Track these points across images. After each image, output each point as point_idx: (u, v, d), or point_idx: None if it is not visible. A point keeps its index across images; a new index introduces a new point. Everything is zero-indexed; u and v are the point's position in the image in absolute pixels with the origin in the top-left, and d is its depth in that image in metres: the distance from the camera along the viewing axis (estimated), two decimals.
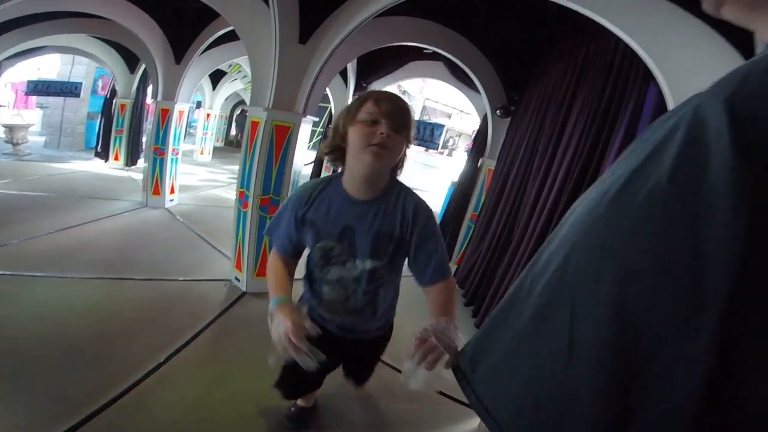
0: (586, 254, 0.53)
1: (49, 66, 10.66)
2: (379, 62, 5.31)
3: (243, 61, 6.95)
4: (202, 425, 1.96)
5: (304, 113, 2.96)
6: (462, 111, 21.46)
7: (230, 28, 4.16)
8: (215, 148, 11.33)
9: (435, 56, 4.95)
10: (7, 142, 8.12)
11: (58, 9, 3.73)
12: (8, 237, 3.57)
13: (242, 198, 3.12)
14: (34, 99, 11.09)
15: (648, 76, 2.25)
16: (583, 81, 2.94)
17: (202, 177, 8.05)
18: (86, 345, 2.31)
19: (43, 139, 9.70)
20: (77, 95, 8.66)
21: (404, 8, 2.91)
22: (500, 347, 0.63)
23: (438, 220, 7.35)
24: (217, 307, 2.97)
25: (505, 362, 0.61)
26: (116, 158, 7.92)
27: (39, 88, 8.43)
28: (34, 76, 10.17)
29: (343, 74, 5.45)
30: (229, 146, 15.12)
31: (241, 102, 14.59)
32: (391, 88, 5.91)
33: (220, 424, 1.99)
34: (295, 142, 2.98)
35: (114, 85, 7.79)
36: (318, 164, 6.17)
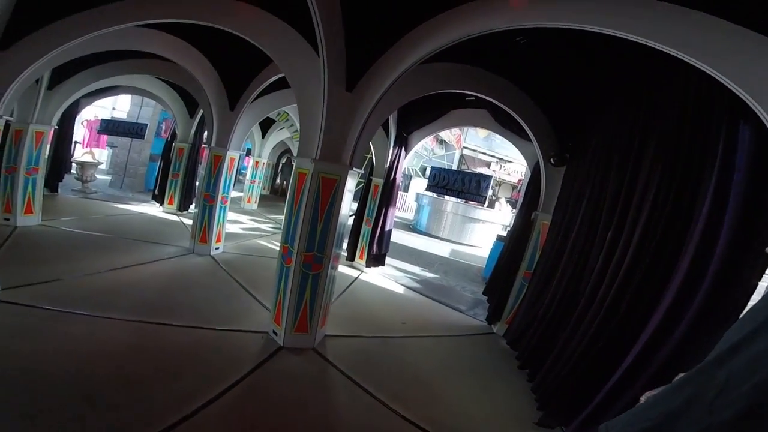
0: None
1: (121, 107, 11.61)
2: (420, 112, 5.31)
3: (290, 110, 7.21)
4: None
5: (351, 165, 2.88)
6: (501, 159, 21.27)
7: (280, 75, 4.28)
8: (261, 196, 11.64)
9: (478, 103, 4.88)
10: (77, 178, 8.81)
11: (125, 48, 3.97)
12: (65, 272, 3.80)
13: (286, 253, 3.03)
14: (105, 138, 11.93)
15: (734, 119, 1.97)
16: (652, 126, 2.66)
17: (247, 226, 8.24)
18: (110, 390, 2.27)
19: (109, 177, 10.57)
20: (142, 137, 9.14)
21: (449, 54, 2.86)
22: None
23: (485, 277, 6.99)
24: (252, 360, 2.87)
25: None
26: (170, 202, 8.20)
27: (110, 128, 9.07)
28: (109, 116, 11.12)
29: (384, 125, 5.49)
30: (273, 194, 15.68)
31: (287, 151, 15.34)
32: (430, 139, 5.85)
33: None
34: (342, 196, 2.88)
35: (174, 129, 8.19)
36: (359, 217, 6.11)
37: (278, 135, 10.92)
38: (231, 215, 5.70)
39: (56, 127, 5.90)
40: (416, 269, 7.05)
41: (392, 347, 3.64)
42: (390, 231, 5.98)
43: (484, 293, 5.15)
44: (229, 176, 5.33)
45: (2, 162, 5.07)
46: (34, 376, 2.24)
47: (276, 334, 3.20)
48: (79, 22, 2.82)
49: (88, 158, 9.00)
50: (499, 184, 20.82)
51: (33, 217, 5.39)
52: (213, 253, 5.41)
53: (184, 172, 8.06)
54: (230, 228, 5.95)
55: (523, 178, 12.46)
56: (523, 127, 4.06)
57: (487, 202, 13.88)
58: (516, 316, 4.10)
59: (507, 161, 21.24)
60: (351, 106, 2.82)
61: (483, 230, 12.08)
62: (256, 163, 10.90)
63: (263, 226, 8.49)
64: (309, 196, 2.81)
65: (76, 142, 9.68)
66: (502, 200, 15.42)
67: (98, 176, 9.70)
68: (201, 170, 7.76)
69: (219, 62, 4.62)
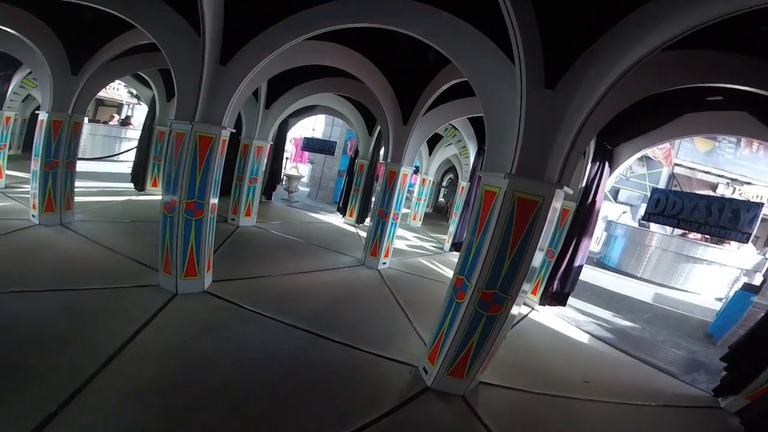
0: None
1: (318, 127, 13.73)
2: (632, 117, 3.92)
3: (458, 123, 6.88)
4: None
5: (560, 182, 2.18)
6: (734, 180, 15.76)
7: (452, 83, 4.02)
8: (425, 214, 11.61)
9: (730, 104, 3.47)
10: (285, 189, 10.68)
11: (313, 62, 4.11)
12: (262, 272, 4.43)
13: (459, 286, 2.54)
14: (307, 155, 14.32)
15: None
16: None
17: (412, 243, 8.26)
18: (259, 402, 2.28)
19: (308, 189, 12.57)
20: (332, 153, 10.46)
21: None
22: None
23: (711, 333, 5.29)
24: (395, 396, 2.59)
25: None
26: (351, 214, 8.99)
27: (309, 145, 10.63)
28: (310, 135, 13.30)
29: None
30: (436, 213, 15.56)
31: (451, 169, 15.13)
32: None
33: None
34: (543, 223, 2.21)
35: (357, 146, 8.97)
36: None
37: (444, 152, 10.77)
38: (398, 231, 5.76)
39: (272, 143, 7.17)
40: (606, 314, 5.66)
41: (566, 411, 2.87)
42: (580, 267, 4.85)
43: (723, 359, 3.64)
44: (402, 193, 5.32)
45: (234, 172, 6.41)
46: (201, 375, 2.41)
47: (426, 372, 2.80)
48: (279, 33, 3.09)
49: (294, 172, 10.80)
50: None
51: (250, 220, 6.64)
52: (380, 267, 5.48)
53: (363, 187, 8.68)
54: (396, 243, 6.00)
55: None
56: None
57: (748, 238, 10.37)
58: (765, 393, 2.95)
59: (744, 183, 15.65)
60: (555, 107, 2.16)
61: (707, 273, 9.14)
62: (423, 180, 11.01)
63: (426, 245, 8.36)
64: (499, 220, 2.25)
65: (286, 158, 11.84)
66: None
67: (300, 188, 11.61)
68: (377, 186, 8.28)
69: (391, 74, 4.63)
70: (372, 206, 6.93)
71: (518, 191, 2.20)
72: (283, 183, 10.78)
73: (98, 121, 13.78)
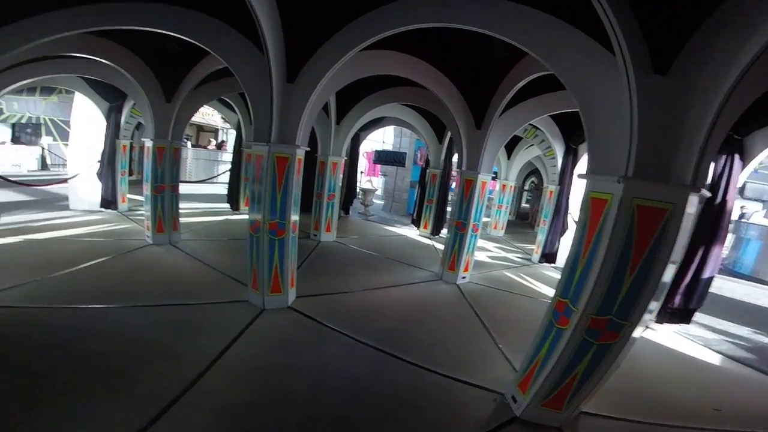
0: None
1: (388, 140, 13.92)
2: (764, 100, 3.17)
3: (541, 123, 6.24)
4: None
5: (695, 185, 1.73)
6: None
7: (529, 78, 3.62)
8: (508, 222, 10.80)
9: None
10: (361, 203, 10.93)
11: (374, 73, 3.98)
12: (342, 287, 4.48)
13: (561, 310, 2.19)
14: (379, 168, 14.59)
15: None
16: None
17: (494, 254, 7.74)
18: (326, 428, 2.15)
19: (382, 202, 12.72)
20: (402, 164, 10.51)
21: None
22: None
23: None
24: (476, 427, 2.31)
25: None
26: (425, 226, 8.76)
27: (380, 158, 10.89)
28: (380, 148, 13.53)
29: None
30: (520, 220, 14.47)
31: (534, 172, 13.99)
32: None
33: None
34: (674, 237, 1.77)
35: (428, 156, 8.78)
36: None
37: (525, 154, 10.01)
38: (478, 242, 5.44)
39: (346, 158, 7.32)
40: (743, 330, 4.78)
41: None
42: (711, 279, 4.02)
43: None
44: (481, 202, 4.97)
45: (314, 189, 6.69)
46: (278, 394, 2.40)
47: (515, 401, 2.47)
48: (339, 43, 3.04)
49: (368, 186, 11.04)
50: None
51: (330, 235, 6.84)
52: (459, 282, 5.18)
53: (437, 198, 8.40)
54: (477, 255, 5.66)
55: None
56: None
57: None
58: None
59: None
60: (672, 94, 1.73)
61: None
62: (503, 186, 10.30)
63: (510, 256, 7.77)
64: (614, 234, 1.86)
65: (361, 172, 12.14)
66: None
67: (375, 201, 11.77)
68: (451, 195, 7.96)
69: (456, 78, 4.35)
70: (448, 217, 6.66)
71: (638, 198, 1.80)
72: (359, 197, 11.02)
73: (200, 146, 15.71)
